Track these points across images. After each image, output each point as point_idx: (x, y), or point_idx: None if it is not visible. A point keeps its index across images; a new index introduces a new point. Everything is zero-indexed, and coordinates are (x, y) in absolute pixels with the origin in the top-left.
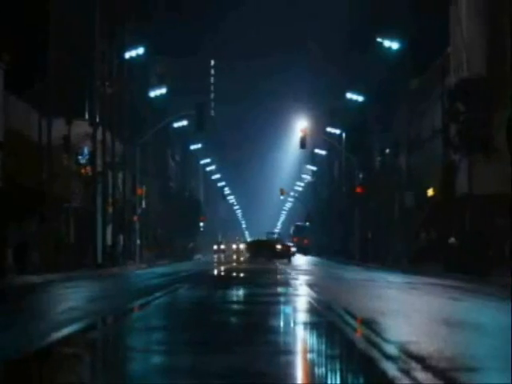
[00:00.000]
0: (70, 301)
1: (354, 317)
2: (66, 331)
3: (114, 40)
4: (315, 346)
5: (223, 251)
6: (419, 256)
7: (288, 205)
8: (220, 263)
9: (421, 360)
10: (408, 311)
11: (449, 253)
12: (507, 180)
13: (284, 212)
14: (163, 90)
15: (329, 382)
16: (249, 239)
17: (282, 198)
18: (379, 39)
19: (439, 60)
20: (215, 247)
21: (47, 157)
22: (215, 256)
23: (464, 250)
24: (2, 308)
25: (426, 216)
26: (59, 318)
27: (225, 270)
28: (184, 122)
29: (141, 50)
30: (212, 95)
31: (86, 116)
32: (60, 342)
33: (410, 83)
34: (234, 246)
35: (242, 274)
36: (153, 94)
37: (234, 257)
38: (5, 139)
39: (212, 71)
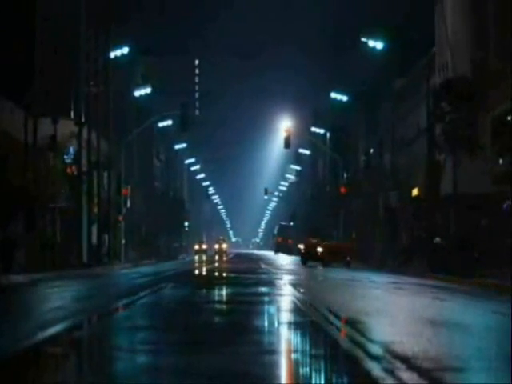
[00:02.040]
0: (56, 300)
1: (338, 317)
2: (52, 331)
3: (98, 40)
4: (299, 346)
5: (205, 251)
6: (404, 256)
7: (272, 204)
8: (203, 263)
9: (405, 360)
10: (393, 311)
11: (434, 253)
12: (491, 180)
13: (268, 212)
14: (148, 90)
15: (313, 381)
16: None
17: (266, 197)
18: (364, 39)
19: (424, 60)
20: (196, 247)
21: (33, 156)
22: (196, 257)
23: (449, 251)
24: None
25: (410, 216)
26: (45, 317)
27: (209, 270)
28: (169, 122)
29: (125, 50)
30: (196, 95)
31: (72, 115)
32: (46, 342)
33: (395, 83)
34: (217, 246)
35: (225, 274)
36: (137, 93)
37: (217, 257)
38: None
39: (196, 71)
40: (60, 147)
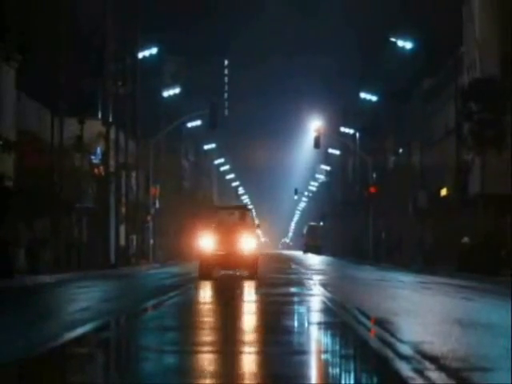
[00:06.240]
0: (82, 301)
1: (367, 317)
2: (79, 331)
3: (126, 39)
4: (329, 346)
5: None
6: (432, 255)
7: (302, 205)
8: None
9: (435, 360)
10: (421, 311)
11: (462, 252)
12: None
13: (298, 212)
14: (176, 90)
15: (343, 381)
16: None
17: (296, 197)
18: (393, 39)
19: (452, 60)
20: None
21: (59, 157)
22: None
23: (476, 250)
24: (13, 309)
25: (439, 216)
26: (70, 318)
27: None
28: (198, 122)
29: (154, 50)
30: (226, 95)
31: (99, 115)
32: (73, 343)
33: (424, 83)
34: None
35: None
36: (166, 93)
37: None
38: (17, 139)
39: (226, 71)
40: (87, 147)
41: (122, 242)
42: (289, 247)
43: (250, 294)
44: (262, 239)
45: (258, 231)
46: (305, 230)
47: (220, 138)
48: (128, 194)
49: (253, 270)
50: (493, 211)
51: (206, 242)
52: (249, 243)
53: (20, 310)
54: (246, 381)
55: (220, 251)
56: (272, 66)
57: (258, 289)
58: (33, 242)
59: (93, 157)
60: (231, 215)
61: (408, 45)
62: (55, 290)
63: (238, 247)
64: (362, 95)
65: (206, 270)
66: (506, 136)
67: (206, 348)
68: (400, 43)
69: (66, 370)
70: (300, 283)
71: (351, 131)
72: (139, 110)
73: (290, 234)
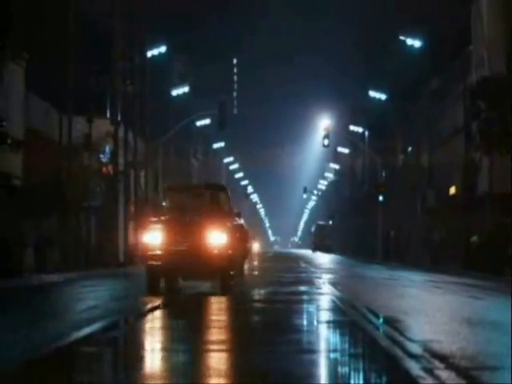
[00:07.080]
0: (90, 300)
1: (376, 315)
2: (87, 330)
3: (135, 38)
4: (339, 345)
5: None
6: (439, 254)
7: (311, 203)
8: None
9: (444, 359)
10: (430, 310)
11: (470, 251)
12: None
13: (307, 210)
14: (185, 89)
15: (352, 380)
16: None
17: (305, 196)
18: (402, 37)
19: (461, 58)
20: None
21: (67, 155)
22: None
23: (484, 249)
24: (20, 308)
25: (447, 214)
26: (78, 317)
27: (247, 269)
28: (207, 121)
29: (162, 49)
30: (235, 94)
31: (108, 114)
32: (80, 342)
33: (432, 81)
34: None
35: (261, 273)
36: (175, 92)
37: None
38: (25, 138)
39: (235, 69)
40: (95, 146)
41: (132, 240)
42: (298, 246)
43: (258, 294)
44: (273, 238)
45: (241, 221)
46: (313, 229)
47: (229, 137)
48: (137, 193)
49: (225, 279)
50: (500, 210)
51: (153, 237)
52: (218, 238)
53: (28, 309)
54: (258, 378)
55: (174, 251)
56: (279, 65)
57: (266, 287)
58: (40, 240)
59: (101, 155)
60: (196, 198)
61: (416, 43)
62: (63, 289)
63: (201, 245)
64: (372, 94)
65: (157, 280)
66: (510, 135)
67: (217, 346)
68: (409, 41)
69: (72, 369)
70: (309, 282)
71: (360, 129)
72: (148, 109)
73: (299, 233)
